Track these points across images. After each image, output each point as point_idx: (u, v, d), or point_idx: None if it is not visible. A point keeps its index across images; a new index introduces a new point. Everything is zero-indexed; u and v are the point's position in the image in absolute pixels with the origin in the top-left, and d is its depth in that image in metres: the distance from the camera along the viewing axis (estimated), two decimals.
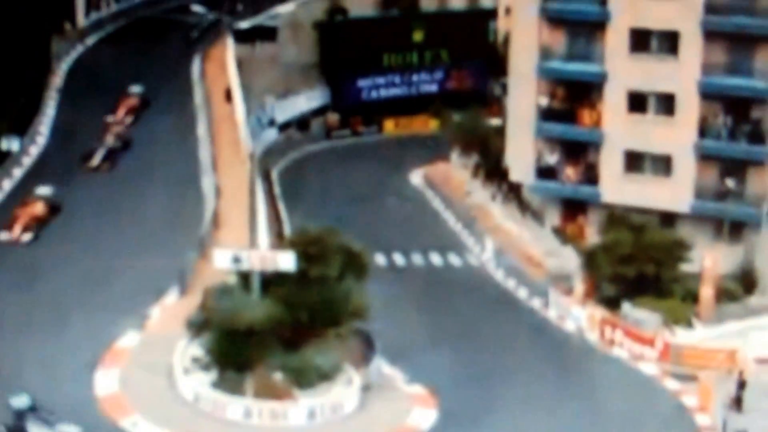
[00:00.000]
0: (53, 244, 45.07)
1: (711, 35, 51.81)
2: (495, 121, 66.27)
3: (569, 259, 53.22)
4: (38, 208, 47.14)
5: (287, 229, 52.77)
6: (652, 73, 52.92)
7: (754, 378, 40.93)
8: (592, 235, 53.73)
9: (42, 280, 41.37)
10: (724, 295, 48.26)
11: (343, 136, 78.56)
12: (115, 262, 43.07)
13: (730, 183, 52.36)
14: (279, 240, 46.12)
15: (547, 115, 55.80)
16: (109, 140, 55.87)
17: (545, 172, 56.36)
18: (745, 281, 50.56)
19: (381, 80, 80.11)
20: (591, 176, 55.26)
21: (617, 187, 54.34)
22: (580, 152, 55.87)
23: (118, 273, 42.07)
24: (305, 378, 35.51)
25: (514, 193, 59.84)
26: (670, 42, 52.59)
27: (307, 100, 78.34)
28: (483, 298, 51.43)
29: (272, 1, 78.06)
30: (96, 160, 53.82)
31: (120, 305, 39.22)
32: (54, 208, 47.80)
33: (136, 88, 62.25)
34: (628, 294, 47.52)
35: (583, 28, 54.61)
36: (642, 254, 47.61)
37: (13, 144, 54.61)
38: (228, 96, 63.60)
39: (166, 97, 63.22)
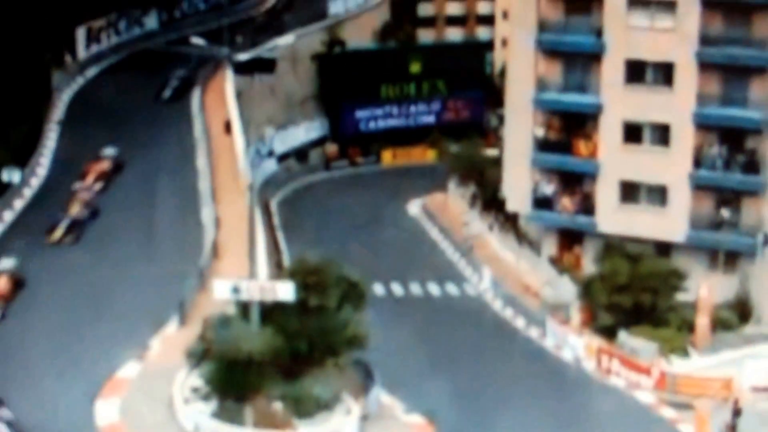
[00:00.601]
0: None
1: (706, 66, 52.23)
2: (492, 152, 66.74)
3: (566, 289, 53.48)
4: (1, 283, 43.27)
5: (286, 259, 53.08)
6: (647, 104, 53.35)
7: (750, 406, 41.13)
8: (589, 264, 53.91)
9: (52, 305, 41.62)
10: (719, 324, 48.49)
11: (341, 167, 79.06)
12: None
13: (725, 213, 52.72)
14: (278, 270, 46.37)
15: (543, 145, 56.20)
16: (75, 210, 51.32)
17: (542, 202, 56.69)
18: (740, 310, 50.79)
19: (379, 111, 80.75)
20: (587, 206, 55.60)
21: (613, 217, 54.69)
22: (577, 182, 56.24)
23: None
24: (304, 407, 35.59)
25: (511, 223, 60.15)
26: (665, 73, 53.02)
27: (306, 131, 78.90)
28: (481, 328, 51.73)
29: (271, 34, 78.65)
30: (59, 232, 49.53)
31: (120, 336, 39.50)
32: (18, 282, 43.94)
33: (108, 151, 58.25)
34: (624, 323, 47.81)
35: (579, 60, 55.07)
36: (638, 284, 47.96)
37: (13, 176, 54.88)
38: (227, 127, 64.02)
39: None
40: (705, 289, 47.48)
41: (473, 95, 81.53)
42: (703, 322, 47.22)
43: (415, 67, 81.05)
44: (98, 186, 54.97)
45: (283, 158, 76.10)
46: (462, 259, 60.42)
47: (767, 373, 43.96)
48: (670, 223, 53.34)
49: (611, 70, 53.97)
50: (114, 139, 59.74)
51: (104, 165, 56.90)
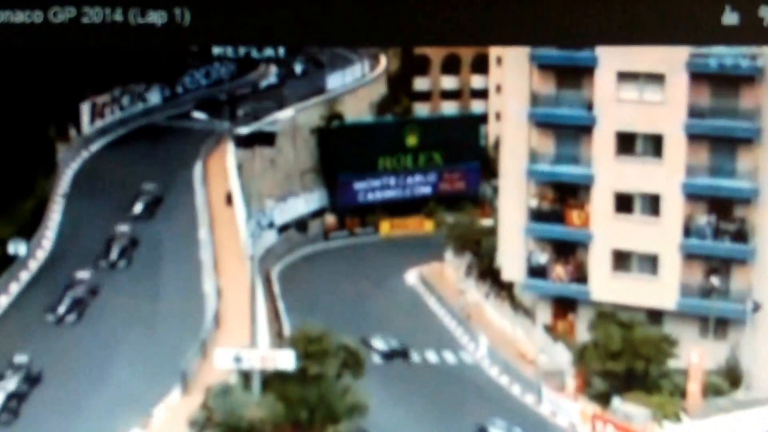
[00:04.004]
0: None
1: (694, 138, 53.11)
2: (487, 222, 67.60)
3: (561, 356, 54.20)
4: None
5: (286, 329, 53.75)
6: (637, 175, 54.14)
7: None
8: (583, 332, 54.50)
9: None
10: (710, 391, 49.13)
11: (340, 238, 79.82)
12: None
13: (714, 281, 53.35)
14: (279, 339, 47.07)
15: (537, 215, 57.03)
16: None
17: (536, 271, 57.39)
18: (731, 377, 51.44)
19: (377, 183, 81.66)
20: (580, 275, 56.36)
21: (606, 286, 55.36)
22: (570, 251, 57.00)
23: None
24: None
25: (506, 291, 60.73)
26: (654, 145, 53.90)
27: (306, 203, 79.74)
28: (478, 395, 52.30)
29: (271, 108, 79.96)
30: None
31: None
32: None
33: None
34: (617, 389, 48.39)
35: (571, 132, 55.95)
36: (631, 350, 48.58)
37: (20, 248, 55.80)
38: (229, 199, 65.03)
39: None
40: (696, 355, 48.18)
41: (468, 167, 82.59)
42: (694, 388, 47.85)
43: (411, 140, 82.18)
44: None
45: (283, 229, 76.91)
46: (459, 328, 61.11)
47: None
48: (662, 291, 54.04)
49: (602, 142, 54.91)
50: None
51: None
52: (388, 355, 55.48)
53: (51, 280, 53.27)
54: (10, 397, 41.96)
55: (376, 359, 53.93)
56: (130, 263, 56.47)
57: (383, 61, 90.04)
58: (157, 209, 63.80)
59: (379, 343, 55.78)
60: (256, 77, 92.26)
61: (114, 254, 56.52)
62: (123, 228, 59.50)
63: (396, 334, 58.60)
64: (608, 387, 48.93)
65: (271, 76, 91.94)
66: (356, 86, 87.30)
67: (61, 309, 50.18)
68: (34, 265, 55.86)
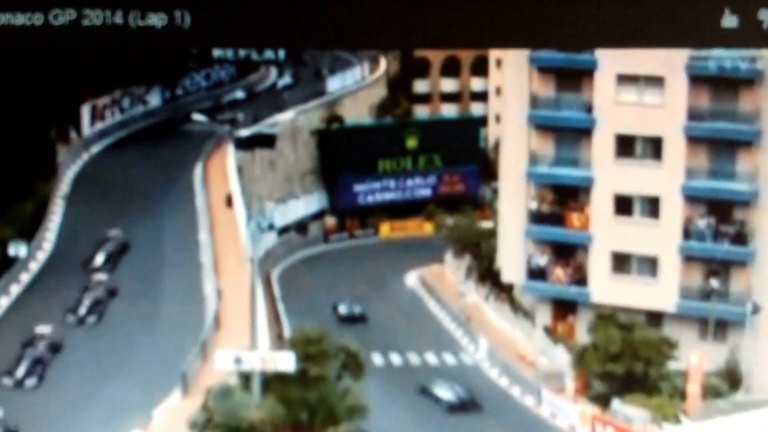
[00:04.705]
0: None
1: (694, 140, 53.13)
2: (487, 224, 67.69)
3: (560, 358, 54.27)
4: None
5: (287, 330, 53.83)
6: (637, 177, 54.19)
7: None
8: (582, 334, 54.52)
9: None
10: (710, 392, 49.18)
11: (340, 240, 79.94)
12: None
13: (714, 283, 53.38)
14: (279, 341, 47.14)
15: (536, 218, 57.05)
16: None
17: (536, 273, 57.40)
18: (731, 378, 51.51)
19: (377, 185, 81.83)
20: (580, 277, 56.41)
21: (605, 288, 55.41)
22: (570, 254, 57.04)
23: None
24: None
25: (506, 293, 60.86)
26: (654, 147, 53.92)
27: (306, 205, 79.91)
28: (477, 397, 52.31)
29: (271, 110, 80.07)
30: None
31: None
32: None
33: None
34: (617, 391, 48.41)
35: (570, 135, 55.95)
36: (630, 352, 48.57)
37: (20, 249, 55.89)
38: (229, 201, 65.14)
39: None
40: (695, 357, 48.21)
41: (468, 169, 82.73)
42: (694, 390, 47.86)
43: (411, 142, 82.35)
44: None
45: (283, 231, 77.04)
46: (459, 329, 61.18)
47: None
48: (661, 293, 54.11)
49: (602, 144, 54.94)
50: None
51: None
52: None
53: (51, 281, 53.17)
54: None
55: (377, 360, 53.91)
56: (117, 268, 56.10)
57: (383, 63, 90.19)
58: (122, 258, 57.52)
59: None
60: (257, 79, 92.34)
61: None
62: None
63: (396, 336, 58.74)
64: (608, 389, 48.96)
65: (286, 77, 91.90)
66: (356, 89, 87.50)
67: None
68: (34, 267, 55.85)
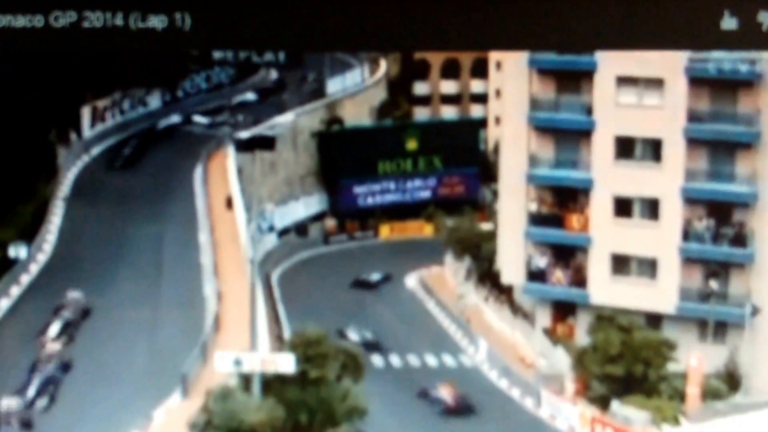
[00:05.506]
0: None
1: (693, 142, 53.16)
2: (486, 226, 67.80)
3: (560, 360, 54.32)
4: None
5: (287, 332, 53.87)
6: (636, 179, 54.22)
7: None
8: (582, 335, 54.65)
9: None
10: (709, 394, 49.22)
11: (340, 241, 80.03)
12: None
13: (713, 284, 53.53)
14: (279, 342, 47.20)
15: (536, 220, 57.15)
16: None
17: (535, 275, 57.46)
18: (730, 380, 51.57)
19: (376, 187, 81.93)
20: (579, 279, 56.48)
21: (605, 289, 55.44)
22: (569, 255, 57.06)
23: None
24: None
25: (505, 295, 60.94)
26: (653, 149, 53.98)
27: (306, 207, 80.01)
28: (477, 398, 52.40)
29: (272, 112, 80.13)
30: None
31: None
32: None
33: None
34: (617, 393, 48.53)
35: (570, 137, 55.99)
36: (630, 354, 48.70)
37: (20, 251, 55.95)
38: (229, 203, 65.20)
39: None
40: (695, 359, 48.26)
41: (468, 171, 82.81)
42: (693, 391, 47.91)
43: (411, 144, 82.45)
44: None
45: (283, 233, 77.13)
46: (458, 331, 61.23)
47: None
48: (661, 294, 54.15)
49: (601, 146, 55.00)
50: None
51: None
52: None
53: (51, 282, 53.23)
54: None
55: (377, 362, 53.99)
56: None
57: (383, 65, 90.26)
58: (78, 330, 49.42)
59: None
60: (257, 80, 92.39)
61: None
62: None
63: (396, 337, 58.83)
64: (607, 390, 49.04)
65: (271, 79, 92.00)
66: (356, 90, 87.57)
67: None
68: (34, 268, 55.90)
